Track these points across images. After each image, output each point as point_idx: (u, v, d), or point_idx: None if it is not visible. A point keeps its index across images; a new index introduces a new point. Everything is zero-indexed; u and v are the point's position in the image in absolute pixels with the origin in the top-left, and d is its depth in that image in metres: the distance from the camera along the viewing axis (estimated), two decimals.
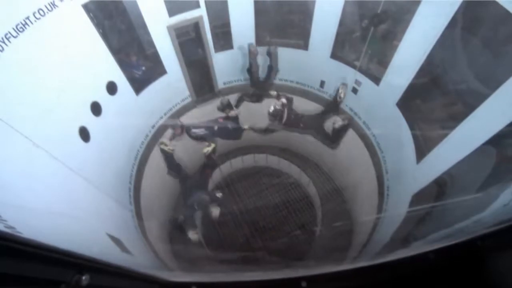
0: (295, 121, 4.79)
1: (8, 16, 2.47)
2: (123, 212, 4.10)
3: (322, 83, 5.30)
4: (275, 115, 4.60)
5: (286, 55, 5.16)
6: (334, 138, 5.03)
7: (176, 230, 4.85)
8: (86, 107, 3.54)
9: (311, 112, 5.11)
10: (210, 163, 4.87)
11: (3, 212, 1.77)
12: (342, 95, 4.77)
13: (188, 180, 4.73)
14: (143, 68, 4.56)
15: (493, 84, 2.66)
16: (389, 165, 4.62)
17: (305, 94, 5.57)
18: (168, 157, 4.60)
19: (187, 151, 5.35)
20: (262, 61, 5.22)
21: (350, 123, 4.80)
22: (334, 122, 4.82)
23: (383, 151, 4.70)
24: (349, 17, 4.30)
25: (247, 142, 6.82)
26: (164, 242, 5.21)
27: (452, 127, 3.20)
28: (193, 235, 4.24)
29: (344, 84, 4.78)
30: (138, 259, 3.41)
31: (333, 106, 5.01)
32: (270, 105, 4.65)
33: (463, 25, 2.99)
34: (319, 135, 5.21)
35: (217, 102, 5.37)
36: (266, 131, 5.25)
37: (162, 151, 4.59)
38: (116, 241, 3.12)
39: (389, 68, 4.04)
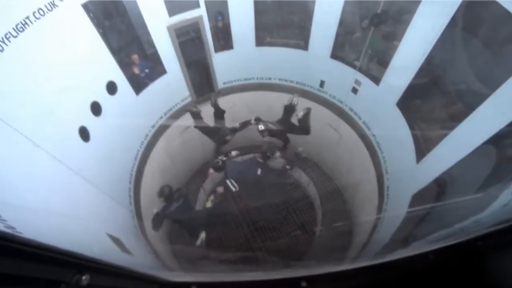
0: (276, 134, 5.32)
1: (8, 16, 2.47)
2: (123, 212, 4.10)
3: (322, 83, 5.30)
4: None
5: (286, 55, 5.16)
6: (303, 128, 5.23)
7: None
8: (86, 107, 3.54)
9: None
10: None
11: (3, 212, 1.77)
12: (295, 103, 5.13)
13: None
14: (147, 70, 4.56)
15: (493, 84, 2.65)
16: (389, 165, 4.61)
17: (305, 94, 5.56)
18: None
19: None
20: None
21: (309, 111, 5.02)
22: (296, 114, 5.08)
23: (383, 151, 4.70)
24: (349, 17, 4.30)
25: (247, 142, 6.81)
26: (164, 242, 5.21)
27: (452, 127, 3.20)
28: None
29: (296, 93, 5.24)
30: (138, 259, 3.40)
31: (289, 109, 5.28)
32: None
33: (463, 25, 2.99)
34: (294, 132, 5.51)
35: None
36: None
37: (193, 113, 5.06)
38: (116, 241, 3.12)
39: (389, 68, 4.03)
